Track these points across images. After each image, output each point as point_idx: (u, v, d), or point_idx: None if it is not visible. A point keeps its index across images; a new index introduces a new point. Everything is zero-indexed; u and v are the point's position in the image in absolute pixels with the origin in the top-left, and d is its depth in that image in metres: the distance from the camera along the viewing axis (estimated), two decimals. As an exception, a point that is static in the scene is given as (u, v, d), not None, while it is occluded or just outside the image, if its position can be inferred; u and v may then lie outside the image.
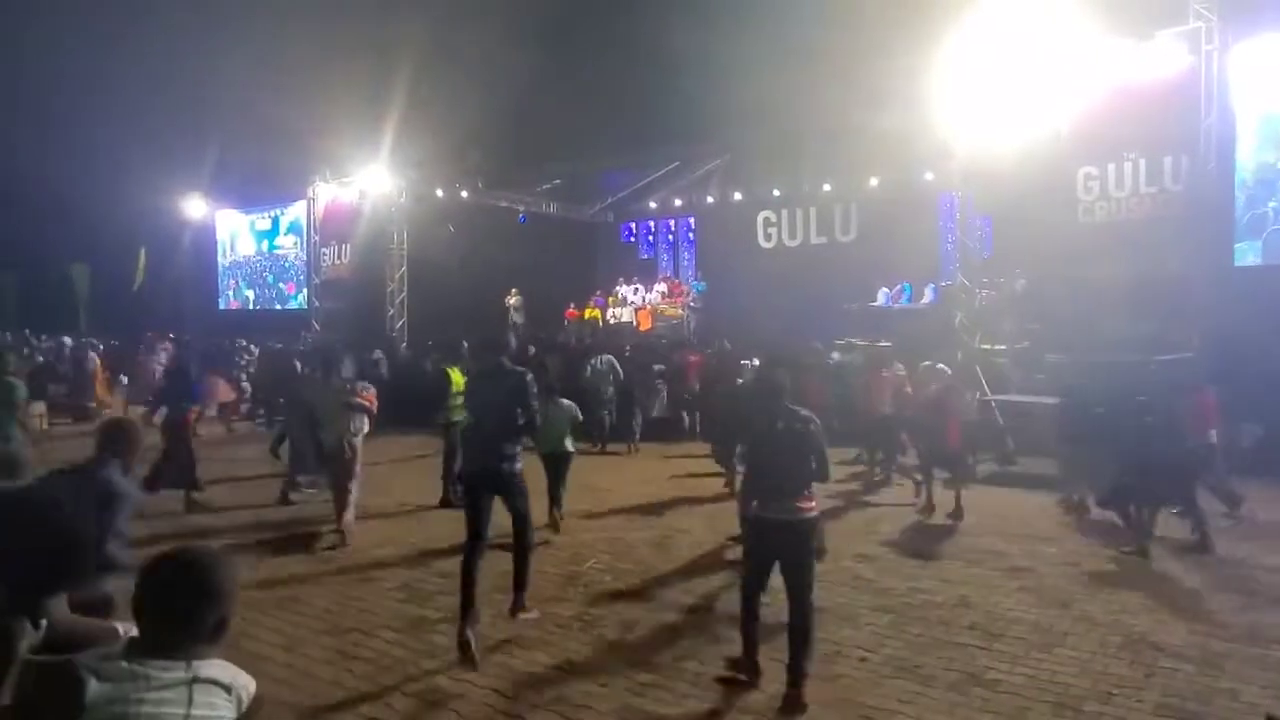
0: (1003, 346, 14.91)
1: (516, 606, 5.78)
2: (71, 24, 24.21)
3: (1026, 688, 4.74)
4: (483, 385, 5.89)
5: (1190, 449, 7.90)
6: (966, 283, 15.49)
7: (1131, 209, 13.89)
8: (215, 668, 1.99)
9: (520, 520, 5.72)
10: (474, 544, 5.50)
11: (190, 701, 1.92)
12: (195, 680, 1.94)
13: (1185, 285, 12.80)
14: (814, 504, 4.84)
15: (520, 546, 5.76)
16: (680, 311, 22.62)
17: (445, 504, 9.49)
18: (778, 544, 4.81)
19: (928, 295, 19.22)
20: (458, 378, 9.57)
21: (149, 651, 1.94)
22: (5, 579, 3.58)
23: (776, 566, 4.83)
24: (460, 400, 9.16)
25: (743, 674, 4.91)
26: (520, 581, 5.78)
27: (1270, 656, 5.17)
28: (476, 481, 5.69)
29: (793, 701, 4.53)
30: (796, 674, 4.58)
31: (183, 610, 1.98)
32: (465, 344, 10.68)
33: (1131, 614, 5.90)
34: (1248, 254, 13.00)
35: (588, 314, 23.55)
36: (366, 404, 8.40)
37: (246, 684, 2.03)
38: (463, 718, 4.47)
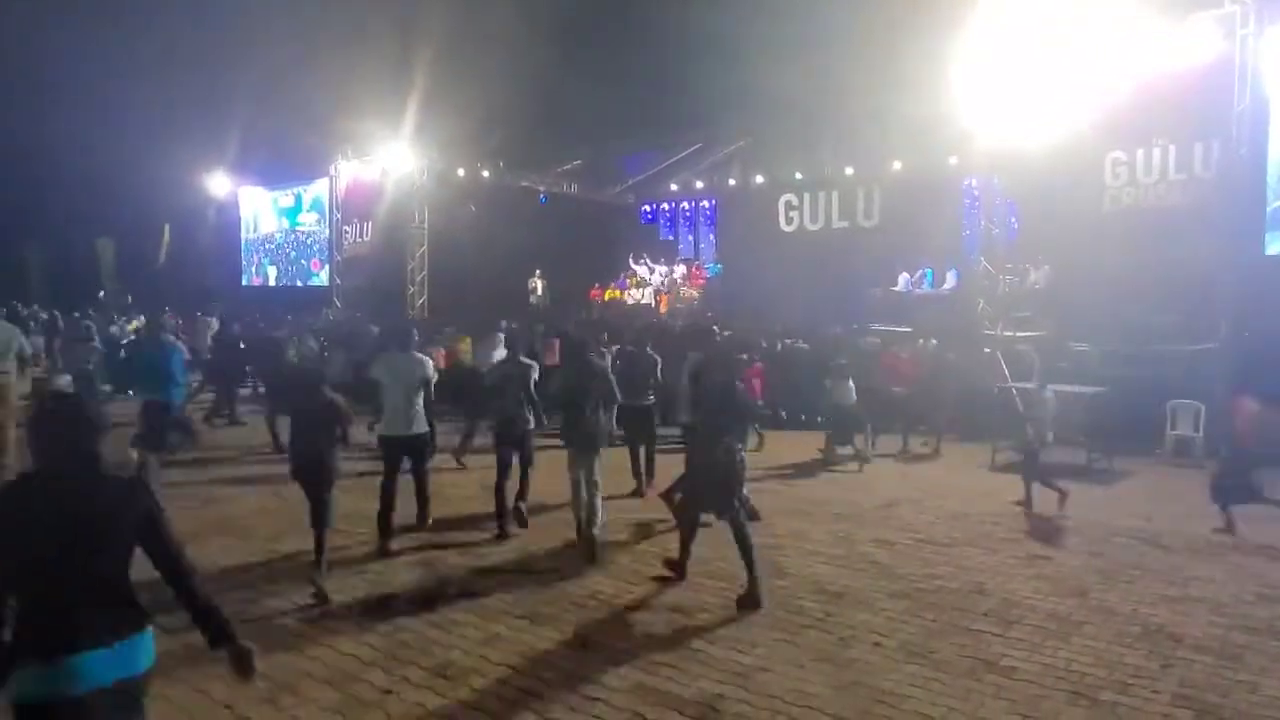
0: (1026, 334, 14.77)
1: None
2: (97, 1, 24.34)
3: (1042, 676, 4.72)
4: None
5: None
6: (990, 269, 15.33)
7: (1160, 195, 13.71)
8: None
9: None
10: None
11: None
12: None
13: (1213, 274, 12.61)
14: (650, 399, 8.94)
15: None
16: (696, 294, 22.63)
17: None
18: (631, 419, 8.71)
19: (949, 280, 19.07)
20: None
21: None
22: None
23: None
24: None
25: (638, 494, 8.71)
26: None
27: (1291, 649, 5.12)
28: None
29: (638, 491, 8.90)
30: (645, 480, 8.80)
31: None
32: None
33: (1150, 604, 5.85)
34: (1278, 243, 12.78)
35: (608, 295, 23.60)
36: (437, 361, 9.40)
37: None
38: (478, 692, 4.51)
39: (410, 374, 7.30)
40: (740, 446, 6.15)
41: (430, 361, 7.66)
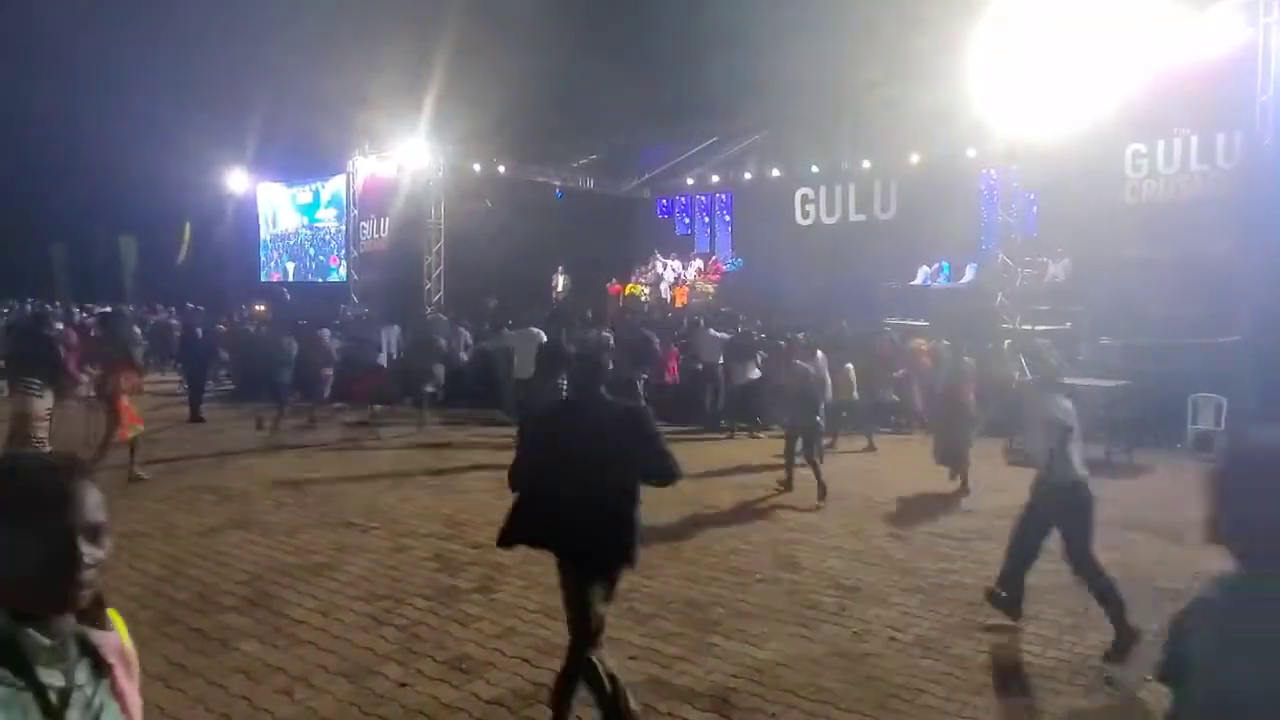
0: (1045, 327, 14.63)
1: None
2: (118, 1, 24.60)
3: (1058, 670, 4.71)
4: None
5: None
6: (1009, 262, 15.21)
7: (1180, 187, 13.52)
8: None
9: None
10: None
11: None
12: None
13: (1235, 266, 12.44)
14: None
15: None
16: (712, 288, 22.64)
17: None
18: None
19: (967, 274, 18.94)
20: None
21: None
22: None
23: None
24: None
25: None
26: None
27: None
28: None
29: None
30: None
31: None
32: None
33: (1169, 600, 5.80)
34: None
35: (628, 290, 23.62)
36: None
37: None
38: (492, 685, 4.54)
39: (531, 341, 11.62)
40: None
41: (543, 333, 11.90)
